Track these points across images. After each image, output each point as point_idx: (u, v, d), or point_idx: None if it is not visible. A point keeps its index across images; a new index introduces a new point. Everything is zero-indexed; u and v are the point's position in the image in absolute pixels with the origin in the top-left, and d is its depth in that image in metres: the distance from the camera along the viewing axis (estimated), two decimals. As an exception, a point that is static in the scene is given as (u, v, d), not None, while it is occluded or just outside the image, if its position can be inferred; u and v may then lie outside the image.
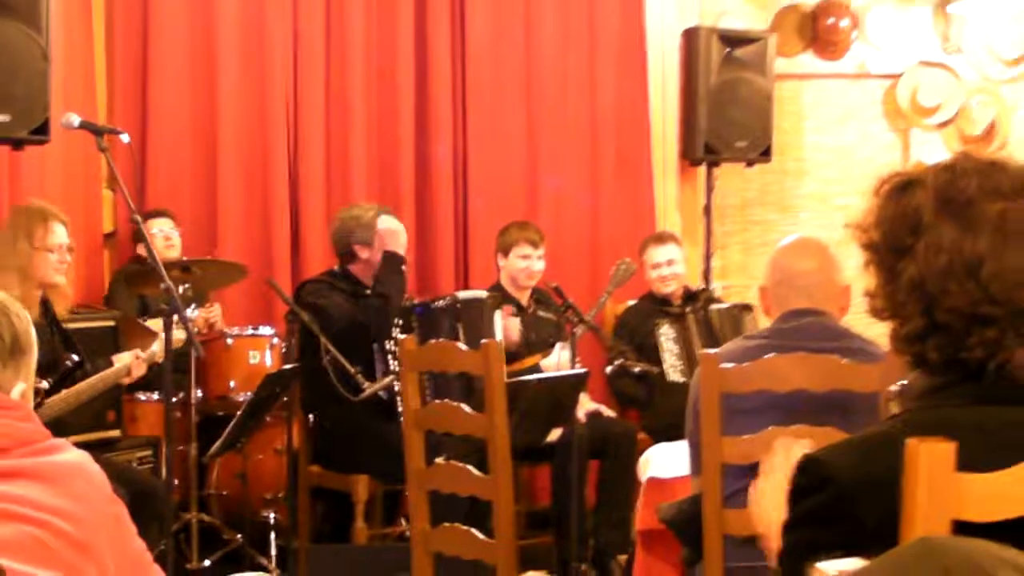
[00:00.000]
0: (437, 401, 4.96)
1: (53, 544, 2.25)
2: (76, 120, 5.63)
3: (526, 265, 7.16)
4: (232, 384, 6.97)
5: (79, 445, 2.74)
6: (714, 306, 7.36)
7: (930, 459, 1.94)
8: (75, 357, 5.90)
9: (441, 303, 6.56)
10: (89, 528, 2.33)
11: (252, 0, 7.63)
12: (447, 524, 4.40)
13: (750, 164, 8.33)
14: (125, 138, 5.85)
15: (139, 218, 5.66)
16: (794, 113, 8.97)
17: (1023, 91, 9.13)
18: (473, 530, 4.29)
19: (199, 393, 6.69)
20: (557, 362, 6.70)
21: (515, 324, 6.94)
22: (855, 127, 9.08)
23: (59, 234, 5.89)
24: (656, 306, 7.32)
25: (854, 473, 2.06)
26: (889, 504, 1.97)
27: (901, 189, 2.19)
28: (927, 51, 9.01)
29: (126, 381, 6.08)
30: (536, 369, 6.73)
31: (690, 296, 7.42)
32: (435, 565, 4.46)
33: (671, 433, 5.76)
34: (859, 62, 9.00)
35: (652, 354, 7.08)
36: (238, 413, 6.21)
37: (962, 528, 1.96)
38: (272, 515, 6.91)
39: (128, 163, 6.41)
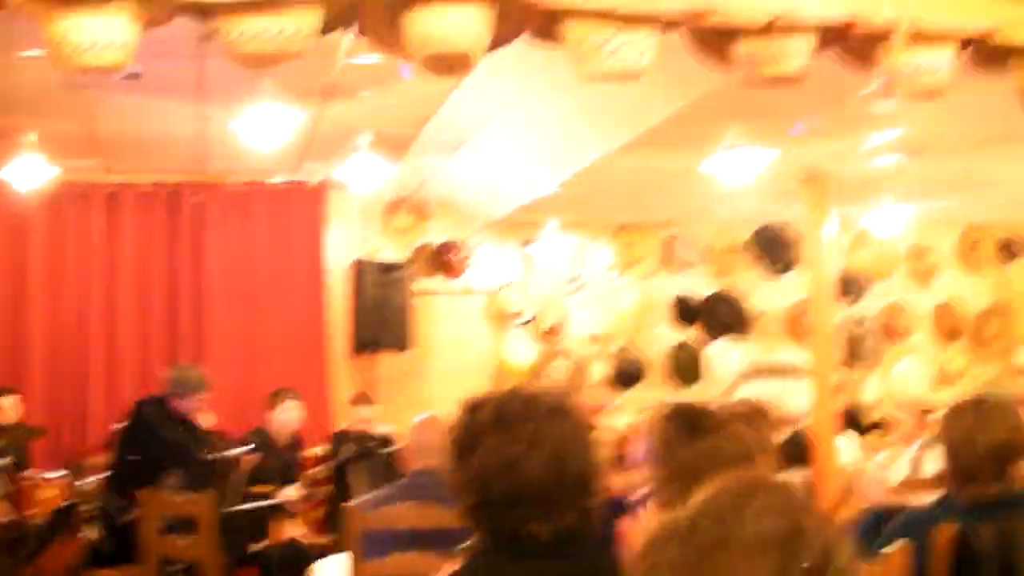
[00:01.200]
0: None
1: None
2: None
3: (285, 417, 8.70)
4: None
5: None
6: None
7: None
8: None
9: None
10: None
11: (58, 246, 9.99)
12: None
13: (399, 351, 10.58)
14: None
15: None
16: (427, 317, 11.26)
17: (576, 301, 11.74)
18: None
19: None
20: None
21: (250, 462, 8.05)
22: (469, 325, 11.51)
23: None
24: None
25: None
26: None
27: (471, 409, 2.67)
28: (514, 274, 11.58)
29: None
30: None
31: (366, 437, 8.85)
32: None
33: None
34: (470, 281, 11.44)
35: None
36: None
37: None
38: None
39: None
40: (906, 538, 3.76)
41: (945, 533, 3.71)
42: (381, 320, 10.51)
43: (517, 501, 2.56)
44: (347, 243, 10.92)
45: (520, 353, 11.68)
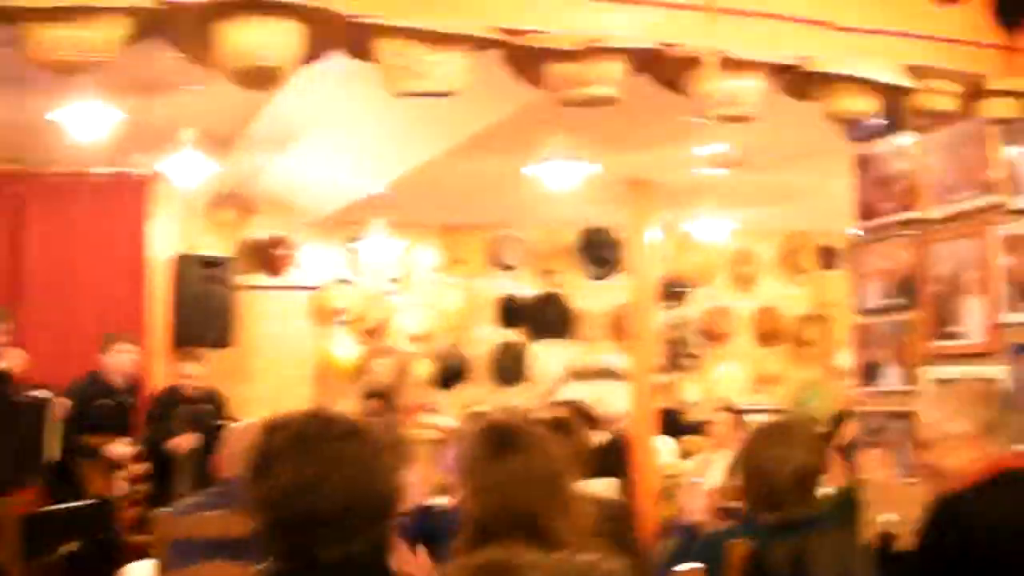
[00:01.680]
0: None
1: None
2: None
3: (117, 359, 8.78)
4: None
5: None
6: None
7: None
8: None
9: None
10: None
11: None
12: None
13: (221, 347, 10.46)
14: None
15: None
16: (250, 313, 11.21)
17: (401, 300, 11.81)
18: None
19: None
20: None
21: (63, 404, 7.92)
22: (292, 322, 11.51)
23: None
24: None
25: None
26: None
27: (267, 431, 2.67)
28: (339, 272, 11.58)
29: None
30: None
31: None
32: None
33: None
34: (294, 278, 11.44)
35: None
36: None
37: None
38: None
39: None
40: (704, 559, 3.84)
41: (739, 551, 3.79)
42: (203, 316, 10.39)
43: (310, 524, 2.56)
44: (170, 237, 10.72)
45: (344, 351, 11.66)
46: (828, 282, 13.30)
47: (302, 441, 2.61)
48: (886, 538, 4.24)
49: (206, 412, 9.11)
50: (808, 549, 3.74)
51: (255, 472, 2.64)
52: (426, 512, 4.74)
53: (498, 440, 3.20)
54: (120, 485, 8.43)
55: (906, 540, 4.12)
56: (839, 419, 9.78)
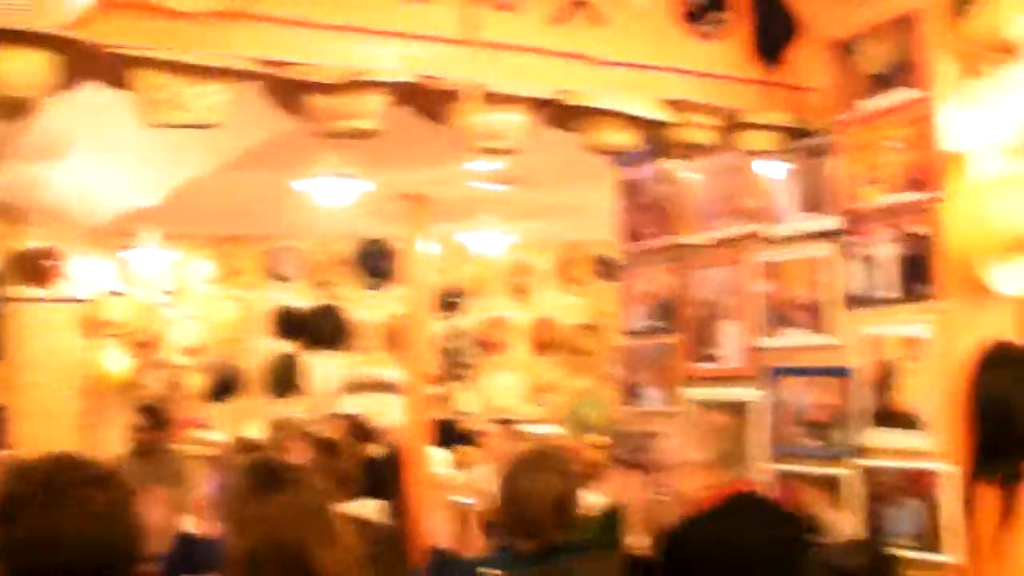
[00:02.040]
0: None
1: None
2: None
3: None
4: None
5: None
6: None
7: None
8: None
9: None
10: None
11: None
12: None
13: None
14: None
15: None
16: (19, 326, 10.92)
17: (175, 312, 11.74)
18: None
19: None
20: None
21: None
22: (62, 335, 11.16)
23: None
24: None
25: None
26: None
27: (18, 473, 2.62)
28: (110, 284, 11.42)
29: None
30: None
31: None
32: None
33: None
34: (64, 290, 11.13)
35: None
36: None
37: None
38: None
39: None
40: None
41: (489, 577, 3.83)
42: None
43: (56, 571, 2.48)
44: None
45: (115, 364, 11.44)
46: (603, 292, 13.53)
47: (48, 487, 2.54)
48: (636, 561, 4.33)
49: None
50: (568, 574, 3.80)
51: (2, 516, 2.54)
52: (188, 541, 4.67)
53: (263, 476, 3.18)
54: None
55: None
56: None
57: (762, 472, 5.03)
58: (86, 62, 3.85)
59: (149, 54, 3.83)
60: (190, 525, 5.89)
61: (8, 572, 2.52)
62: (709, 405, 5.39)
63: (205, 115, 3.94)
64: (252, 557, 3.02)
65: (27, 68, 3.71)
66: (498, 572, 3.83)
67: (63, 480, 2.56)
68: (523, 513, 3.86)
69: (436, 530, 8.20)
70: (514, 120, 4.45)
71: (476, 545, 4.45)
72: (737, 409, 5.21)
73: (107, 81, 4.00)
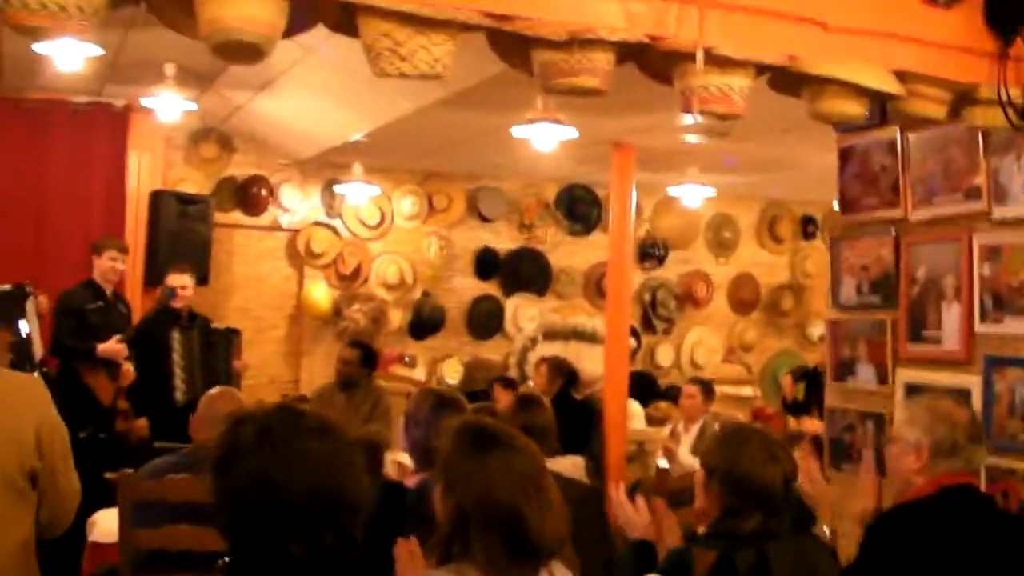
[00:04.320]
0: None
1: None
2: None
3: (112, 265, 8.73)
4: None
5: None
6: (214, 325, 9.26)
7: None
8: None
9: None
10: None
11: None
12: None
13: (197, 285, 9.60)
14: None
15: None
16: (227, 251, 11.21)
17: (379, 246, 11.76)
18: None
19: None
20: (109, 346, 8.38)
21: (42, 303, 8.35)
22: (268, 263, 11.49)
23: None
24: (171, 317, 8.92)
25: None
26: None
27: (234, 423, 2.65)
28: (317, 215, 11.56)
29: None
30: None
31: (193, 315, 9.10)
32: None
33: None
34: (273, 219, 11.42)
35: (160, 354, 8.77)
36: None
37: None
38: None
39: None
40: (670, 568, 3.81)
41: (705, 560, 3.74)
42: (179, 253, 10.15)
43: (274, 520, 2.54)
44: (148, 171, 10.58)
45: (319, 294, 11.59)
46: (805, 252, 13.30)
47: (269, 436, 2.59)
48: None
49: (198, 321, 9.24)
50: (772, 556, 3.71)
51: (220, 465, 2.62)
52: (393, 490, 4.68)
53: (478, 435, 3.20)
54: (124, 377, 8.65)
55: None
56: (809, 377, 9.83)
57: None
58: (314, 7, 3.84)
59: (378, 3, 3.79)
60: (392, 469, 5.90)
61: (227, 520, 2.61)
62: (929, 389, 5.18)
63: (429, 67, 3.89)
64: (464, 519, 3.03)
65: (257, 13, 3.70)
66: (709, 550, 3.75)
67: (282, 430, 2.61)
68: (754, 489, 3.78)
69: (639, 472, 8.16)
70: (739, 84, 4.32)
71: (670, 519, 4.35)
72: (954, 396, 4.99)
73: (334, 27, 3.98)
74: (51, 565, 4.21)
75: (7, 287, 8.22)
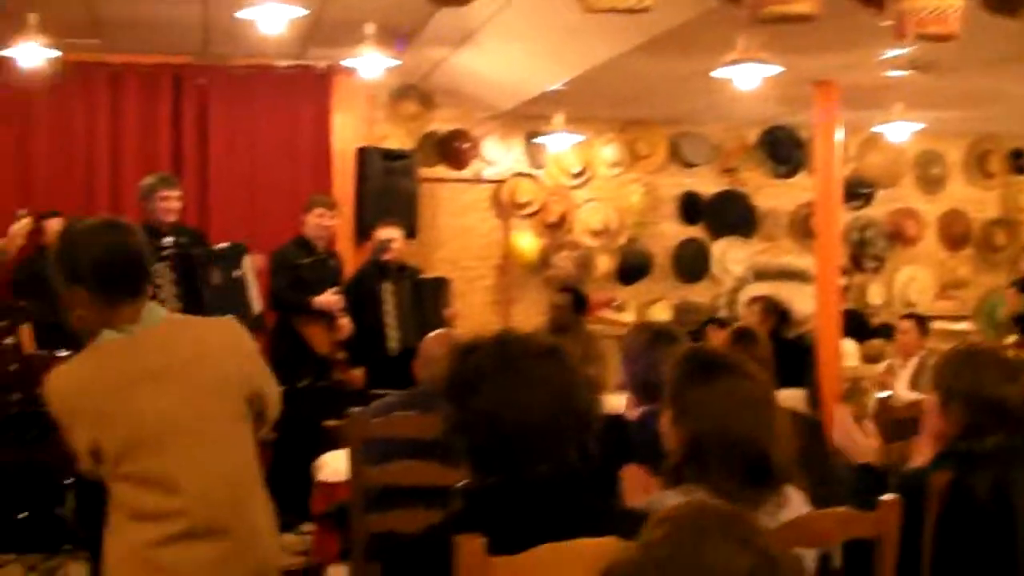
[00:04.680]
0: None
1: None
2: None
3: (319, 221, 9.04)
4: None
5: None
6: (423, 275, 9.42)
7: (468, 550, 2.39)
8: None
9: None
10: None
11: (58, 123, 10.01)
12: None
13: (405, 239, 9.63)
14: None
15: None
16: (432, 205, 11.36)
17: (582, 194, 11.82)
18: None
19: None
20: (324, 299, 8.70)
21: (258, 260, 8.58)
22: (473, 215, 11.63)
23: None
24: (381, 270, 9.10)
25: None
26: None
27: (465, 352, 2.69)
28: (520, 165, 11.67)
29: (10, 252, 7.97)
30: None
31: (402, 267, 9.23)
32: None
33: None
34: (477, 171, 11.55)
35: (373, 305, 8.96)
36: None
37: None
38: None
39: None
40: (902, 490, 3.75)
41: (939, 482, 3.68)
42: (386, 208, 10.28)
43: (518, 441, 2.57)
44: (352, 130, 10.80)
45: (526, 244, 11.68)
46: (1018, 187, 12.93)
47: (500, 361, 2.62)
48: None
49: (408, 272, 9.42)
50: (1011, 479, 3.64)
51: (454, 393, 2.66)
52: (614, 423, 4.70)
53: (701, 363, 3.20)
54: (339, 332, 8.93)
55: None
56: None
57: None
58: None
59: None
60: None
61: (468, 442, 2.63)
62: None
63: (636, 0, 3.90)
64: (697, 444, 3.03)
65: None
66: (944, 472, 3.68)
67: (512, 354, 2.63)
68: (994, 406, 3.69)
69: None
70: (953, 3, 4.23)
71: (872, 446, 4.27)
72: None
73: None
74: (282, 506, 4.33)
75: (225, 245, 8.57)
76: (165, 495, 3.52)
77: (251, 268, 8.52)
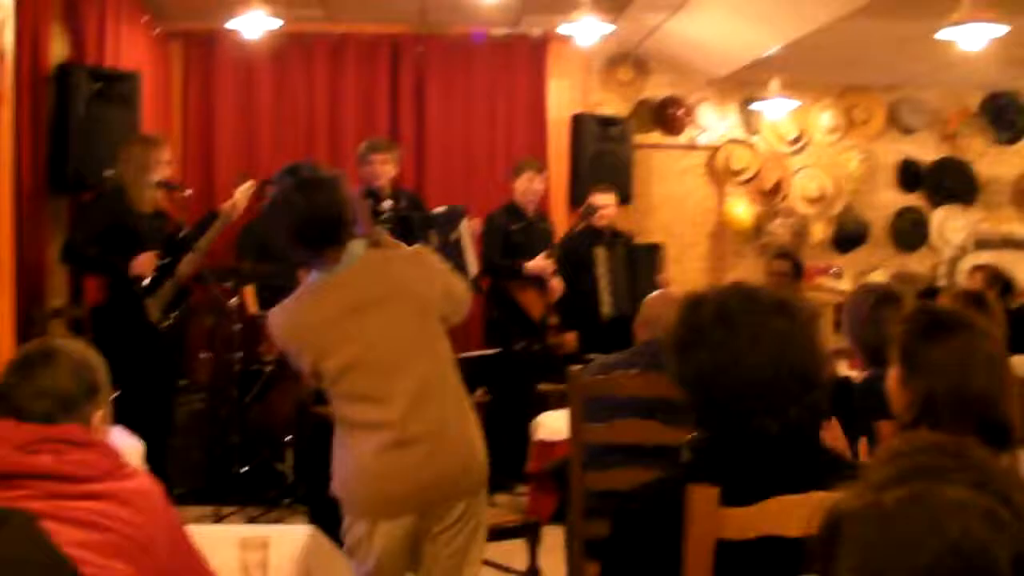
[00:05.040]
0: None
1: (123, 544, 2.70)
2: (161, 180, 7.54)
3: (529, 186, 9.18)
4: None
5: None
6: (636, 242, 9.51)
7: (701, 499, 2.42)
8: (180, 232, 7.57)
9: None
10: (147, 531, 2.77)
11: (279, 90, 10.20)
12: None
13: (620, 205, 9.94)
14: (188, 192, 7.99)
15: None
16: (646, 171, 11.28)
17: (798, 161, 11.60)
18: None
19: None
20: (536, 263, 8.85)
21: (474, 225, 8.77)
22: (688, 181, 11.51)
23: (165, 153, 7.57)
24: (594, 235, 9.25)
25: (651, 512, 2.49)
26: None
27: (693, 305, 2.67)
28: (736, 132, 11.52)
29: (234, 215, 7.86)
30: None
31: (616, 233, 9.42)
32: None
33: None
34: (691, 138, 11.45)
35: (586, 270, 9.13)
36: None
37: (723, 547, 2.43)
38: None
39: (195, 208, 8.42)
40: None
41: None
42: (600, 174, 10.34)
43: (740, 396, 2.54)
44: (567, 97, 10.84)
45: (740, 211, 11.58)
46: None
47: (728, 315, 2.60)
48: None
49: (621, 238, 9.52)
50: None
51: (681, 346, 2.65)
52: (841, 385, 4.63)
53: (936, 322, 3.14)
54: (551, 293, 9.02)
55: None
56: None
57: None
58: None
59: None
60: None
61: (694, 396, 2.63)
62: None
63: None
64: (930, 403, 2.98)
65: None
66: None
67: (742, 308, 2.61)
68: None
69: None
70: None
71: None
72: None
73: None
74: (496, 467, 4.56)
75: (443, 208, 8.73)
76: (376, 409, 4.14)
77: (468, 232, 8.69)
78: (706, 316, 2.63)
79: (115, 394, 3.17)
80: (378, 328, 4.13)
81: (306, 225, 4.12)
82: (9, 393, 2.86)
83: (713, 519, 2.42)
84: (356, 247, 4.22)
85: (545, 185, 9.48)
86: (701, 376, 2.60)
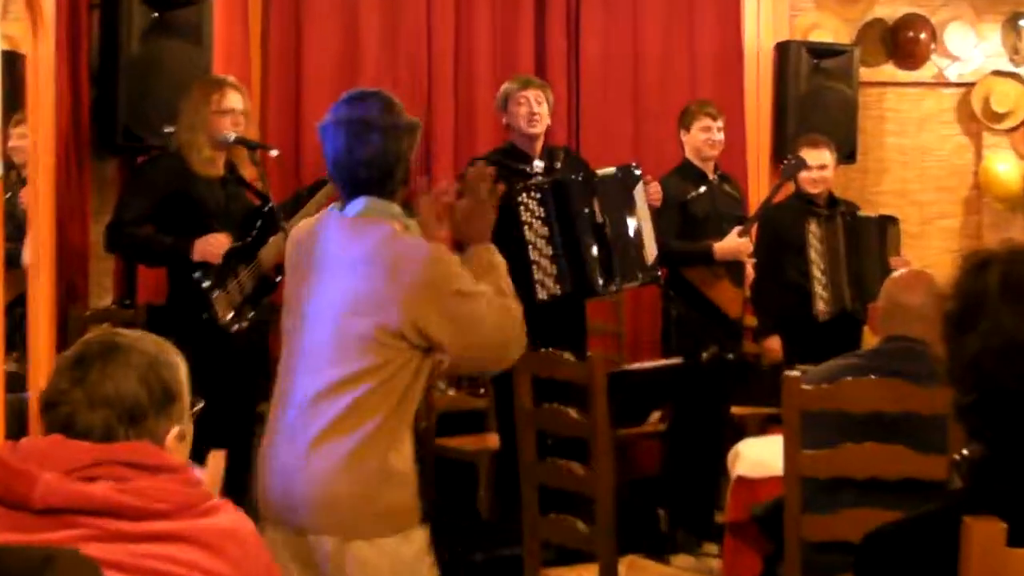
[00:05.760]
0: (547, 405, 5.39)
1: None
2: (231, 136, 7.33)
3: (707, 136, 8.80)
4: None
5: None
6: (861, 213, 9.21)
7: (983, 536, 2.37)
8: (266, 205, 7.41)
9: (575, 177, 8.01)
10: None
11: (389, 22, 9.94)
12: (553, 515, 5.34)
13: (841, 161, 9.75)
14: (275, 153, 7.63)
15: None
16: (876, 118, 11.13)
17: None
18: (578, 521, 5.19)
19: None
20: (728, 243, 8.56)
21: (655, 189, 8.34)
22: (932, 130, 11.32)
23: (233, 99, 7.41)
24: (805, 205, 8.95)
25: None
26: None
27: (976, 268, 2.62)
28: (998, 62, 11.25)
29: None
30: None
31: (833, 201, 9.07)
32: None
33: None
34: (936, 72, 11.26)
35: (795, 252, 8.82)
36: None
37: None
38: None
39: (278, 175, 8.32)
40: None
41: None
42: (814, 122, 10.24)
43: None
44: (770, 21, 10.78)
45: (1006, 169, 11.33)
46: None
47: (1014, 286, 2.54)
48: None
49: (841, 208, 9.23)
50: None
51: (959, 323, 2.60)
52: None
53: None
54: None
55: None
56: None
57: None
58: None
59: None
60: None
61: (968, 398, 2.56)
62: None
63: None
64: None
65: None
66: None
67: None
68: None
69: None
70: None
71: None
72: None
73: None
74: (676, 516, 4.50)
75: (611, 170, 8.24)
76: (284, 379, 4.59)
77: (644, 200, 8.24)
78: (993, 284, 2.57)
79: (199, 405, 3.17)
80: (315, 296, 4.52)
81: (333, 166, 4.61)
82: (58, 401, 2.81)
83: (1001, 562, 2.36)
84: (361, 205, 4.52)
85: (722, 135, 9.05)
86: (976, 367, 2.53)
